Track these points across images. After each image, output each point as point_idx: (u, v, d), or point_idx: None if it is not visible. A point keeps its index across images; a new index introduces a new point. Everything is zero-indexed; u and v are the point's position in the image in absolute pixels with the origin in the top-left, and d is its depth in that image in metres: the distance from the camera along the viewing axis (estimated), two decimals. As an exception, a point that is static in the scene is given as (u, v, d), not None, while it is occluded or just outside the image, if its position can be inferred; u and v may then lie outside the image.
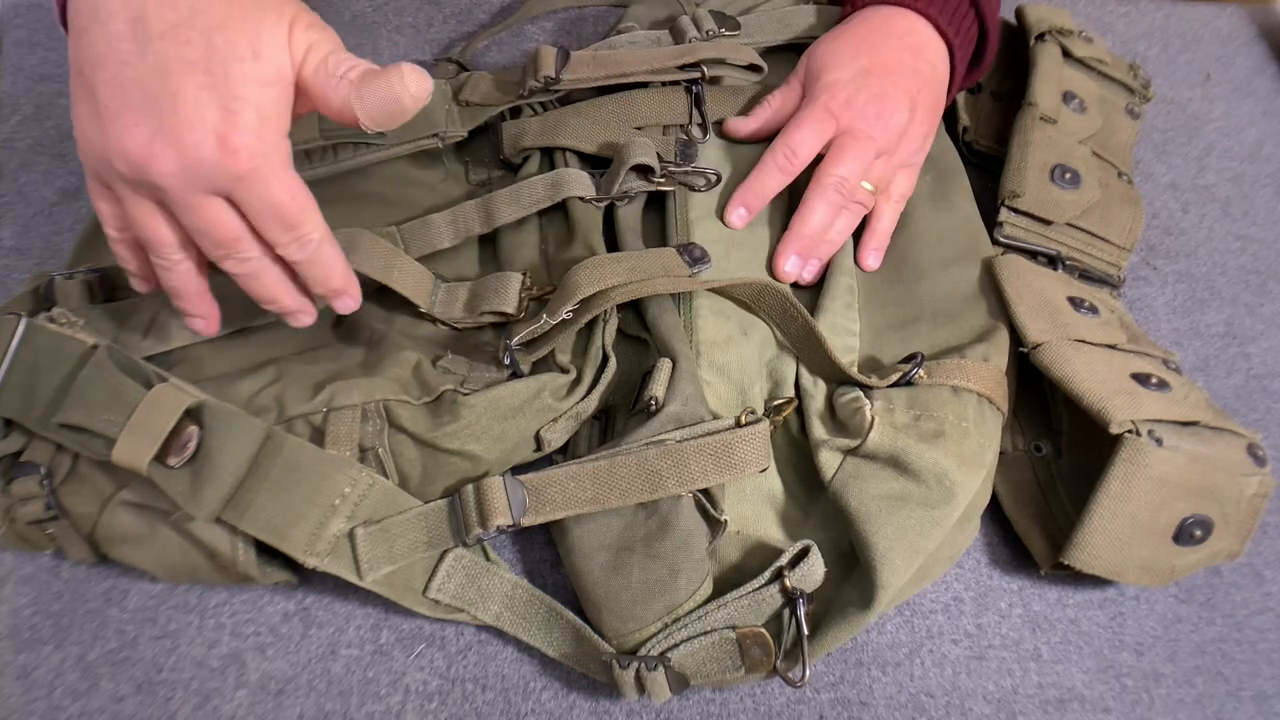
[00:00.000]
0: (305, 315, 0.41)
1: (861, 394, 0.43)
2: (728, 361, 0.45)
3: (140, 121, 0.31)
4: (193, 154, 0.31)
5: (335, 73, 0.33)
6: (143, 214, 0.34)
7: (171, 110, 0.31)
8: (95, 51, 0.31)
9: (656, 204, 0.52)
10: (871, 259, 0.51)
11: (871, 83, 0.49)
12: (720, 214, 0.50)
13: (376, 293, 0.48)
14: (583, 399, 0.43)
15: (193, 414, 0.39)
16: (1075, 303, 0.49)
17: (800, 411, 0.45)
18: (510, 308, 0.46)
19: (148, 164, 0.32)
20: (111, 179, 0.34)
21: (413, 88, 0.33)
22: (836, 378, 0.45)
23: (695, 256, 0.47)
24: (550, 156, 0.53)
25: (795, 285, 0.51)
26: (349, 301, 0.40)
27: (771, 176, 0.49)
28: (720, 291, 0.47)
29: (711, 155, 0.53)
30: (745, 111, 0.53)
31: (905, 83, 0.49)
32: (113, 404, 0.39)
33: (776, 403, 0.45)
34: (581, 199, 0.49)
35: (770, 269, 0.49)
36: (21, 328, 0.42)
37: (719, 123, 0.54)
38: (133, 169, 0.32)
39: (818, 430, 0.44)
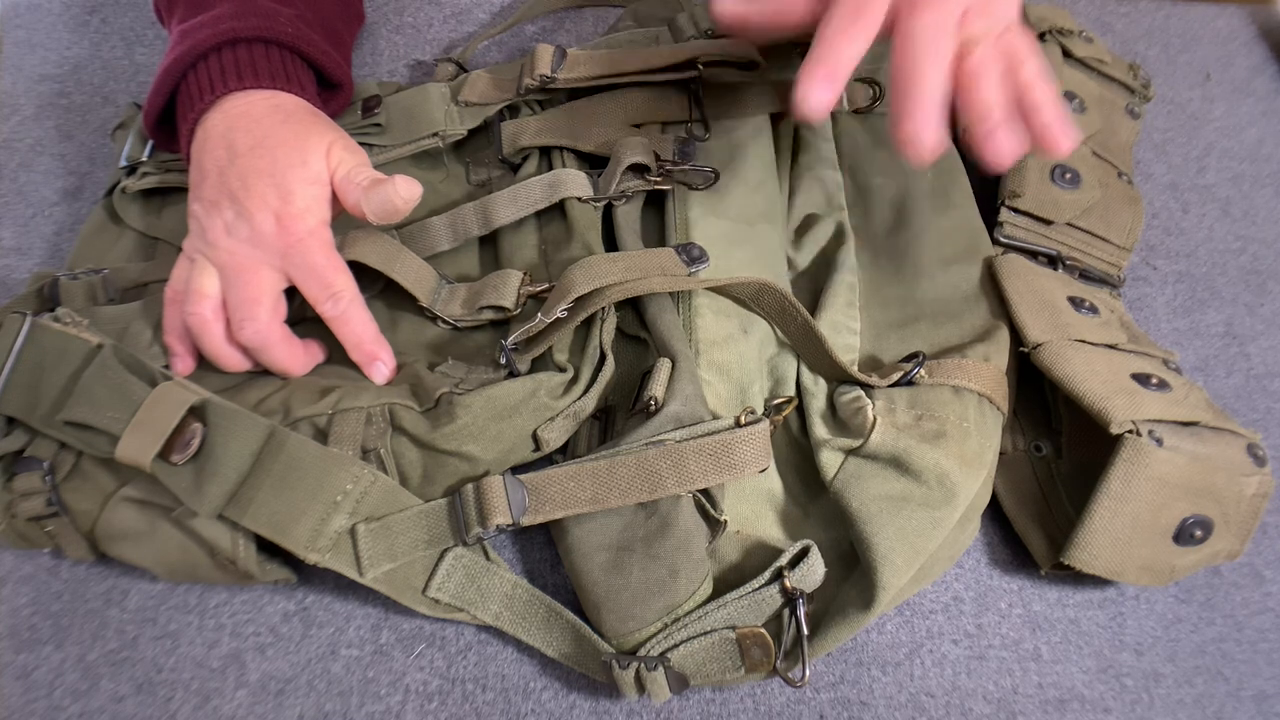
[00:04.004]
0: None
1: (863, 393, 0.43)
2: (728, 360, 0.45)
3: (229, 207, 0.44)
4: (259, 227, 0.43)
5: (353, 180, 0.44)
6: (204, 274, 0.44)
7: (247, 199, 0.43)
8: (204, 168, 0.45)
9: (657, 203, 0.52)
10: (1060, 132, 0.38)
11: None
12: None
13: (382, 294, 0.49)
14: (580, 398, 0.43)
15: (196, 411, 0.40)
16: (1075, 303, 0.49)
17: (801, 410, 0.45)
18: (508, 303, 0.46)
19: (231, 233, 0.44)
20: (200, 248, 0.44)
21: (404, 193, 0.43)
22: (837, 376, 0.45)
23: (693, 256, 0.46)
24: (549, 156, 0.53)
25: (798, 275, 0.50)
26: (382, 368, 0.45)
27: (844, 36, 0.38)
28: (719, 290, 0.47)
29: (710, 153, 0.53)
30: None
31: None
32: (117, 401, 0.40)
33: (777, 402, 0.45)
34: (579, 199, 0.49)
35: (900, 141, 0.38)
36: (26, 327, 0.43)
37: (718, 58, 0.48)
38: (219, 238, 0.44)
39: (819, 430, 0.44)
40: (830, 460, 0.43)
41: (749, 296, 0.46)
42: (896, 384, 0.44)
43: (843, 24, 0.38)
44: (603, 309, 0.44)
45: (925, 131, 0.36)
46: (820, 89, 0.37)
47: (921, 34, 0.37)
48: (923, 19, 0.37)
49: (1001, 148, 0.38)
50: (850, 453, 0.43)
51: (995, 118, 0.38)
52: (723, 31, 0.44)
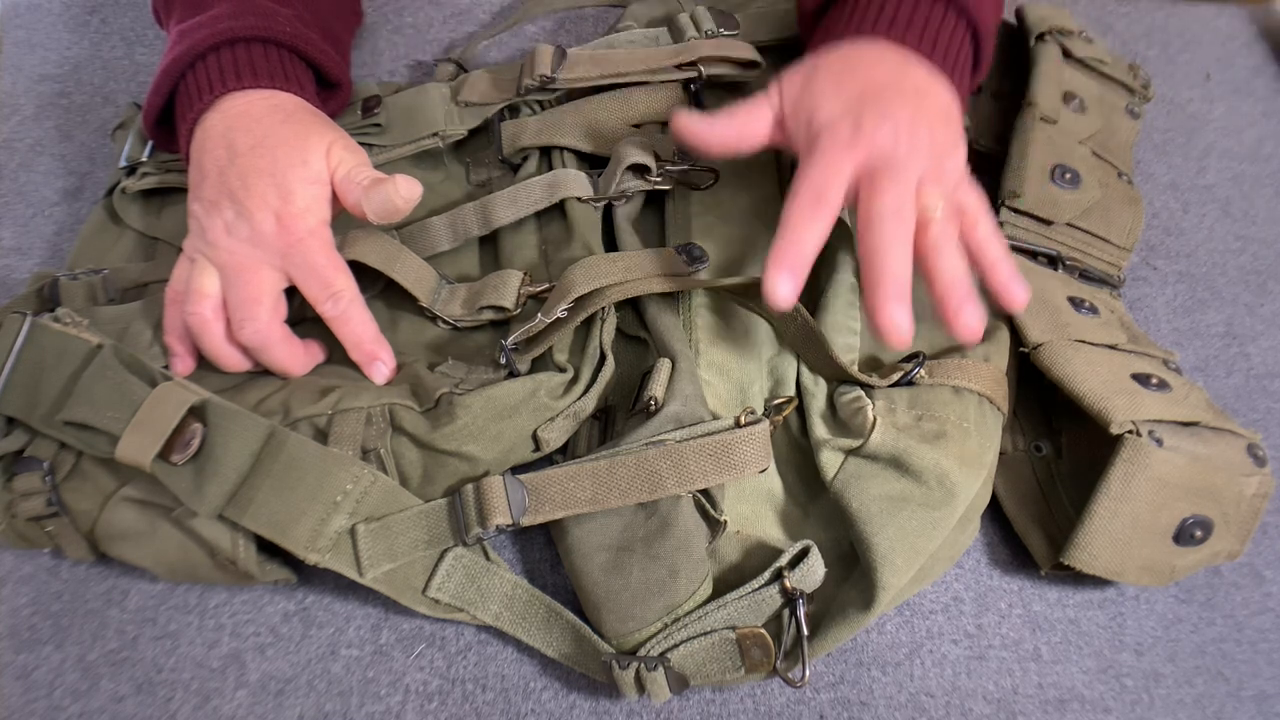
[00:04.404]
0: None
1: (863, 393, 0.43)
2: (727, 361, 0.45)
3: (229, 207, 0.44)
4: (260, 227, 0.43)
5: (353, 180, 0.44)
6: (204, 274, 0.44)
7: (247, 199, 0.43)
8: (204, 167, 0.45)
9: (657, 203, 0.52)
10: (1016, 290, 0.41)
11: (870, 105, 0.41)
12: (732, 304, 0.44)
13: (382, 294, 0.49)
14: (580, 398, 0.43)
15: (196, 411, 0.40)
16: (1075, 303, 0.49)
17: (801, 410, 0.45)
18: (508, 303, 0.46)
19: (231, 233, 0.44)
20: (200, 248, 0.44)
21: (404, 192, 0.43)
22: (837, 376, 0.45)
23: (694, 256, 0.46)
24: (549, 156, 0.53)
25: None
26: (382, 368, 0.45)
27: (807, 225, 0.39)
28: (719, 290, 0.47)
29: (711, 155, 0.53)
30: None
31: (906, 99, 0.42)
32: (117, 401, 0.40)
33: (777, 402, 0.45)
34: (579, 199, 0.49)
35: (878, 332, 0.39)
36: (26, 327, 0.43)
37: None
38: (219, 238, 0.44)
39: (819, 430, 0.44)
40: (830, 460, 0.43)
41: (749, 297, 0.46)
42: (896, 384, 0.44)
43: (803, 212, 0.39)
44: (603, 309, 0.44)
45: (900, 320, 0.38)
46: (785, 282, 0.38)
47: (881, 220, 0.39)
48: (883, 200, 0.39)
49: (971, 320, 0.39)
50: (850, 453, 0.43)
51: (962, 292, 0.39)
52: (679, 145, 0.45)
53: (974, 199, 0.42)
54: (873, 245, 0.39)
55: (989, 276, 0.42)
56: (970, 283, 0.40)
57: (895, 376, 0.44)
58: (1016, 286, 0.41)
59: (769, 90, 0.45)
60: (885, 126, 0.41)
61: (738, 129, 0.44)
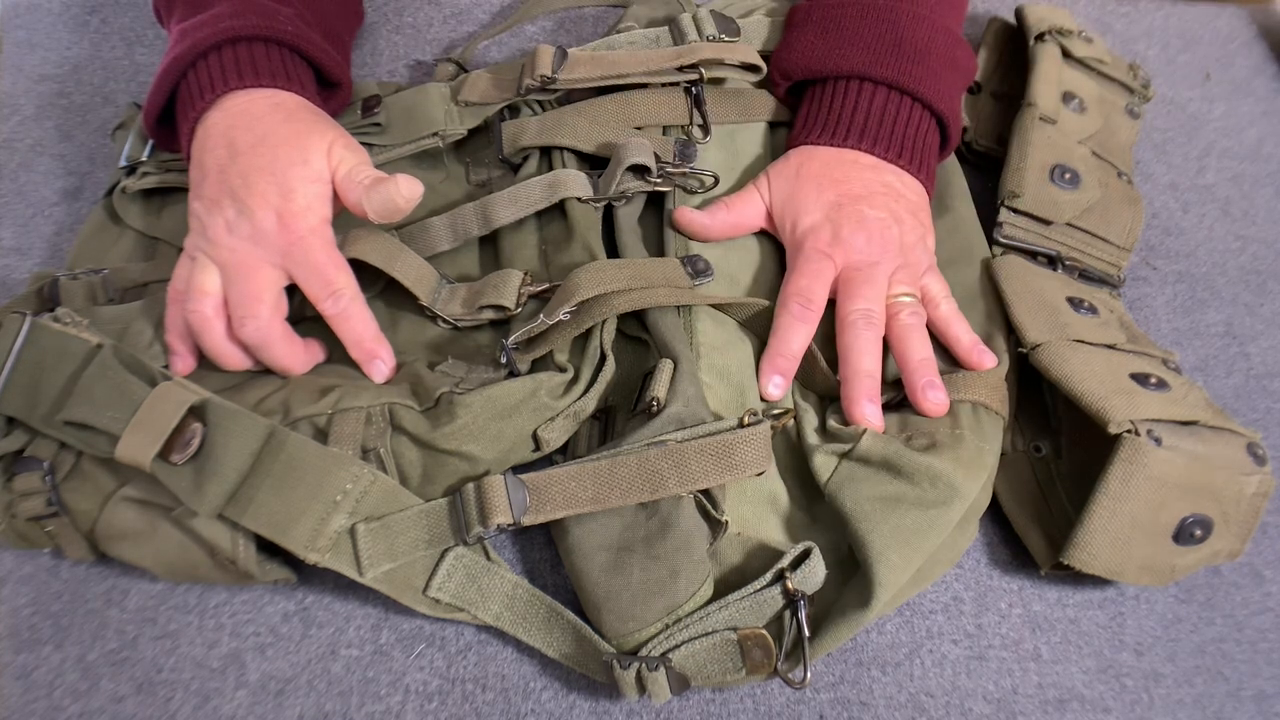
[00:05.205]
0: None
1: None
2: (727, 364, 0.45)
3: (230, 205, 0.44)
4: (261, 225, 0.43)
5: (354, 179, 0.44)
6: (205, 272, 0.44)
7: (249, 197, 0.43)
8: (205, 166, 0.45)
9: (658, 204, 0.52)
10: (979, 357, 0.46)
11: (846, 213, 0.47)
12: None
13: (382, 294, 0.49)
14: (580, 398, 0.43)
15: (196, 411, 0.40)
16: (1074, 303, 0.49)
17: (796, 418, 0.46)
18: (508, 302, 0.46)
19: (232, 231, 0.44)
20: (201, 246, 0.44)
21: (405, 191, 0.43)
22: (831, 394, 0.46)
23: (698, 269, 0.47)
24: (549, 156, 0.53)
25: None
26: (382, 366, 0.45)
27: (794, 330, 0.46)
28: (719, 307, 0.47)
29: (712, 156, 0.53)
30: (702, 206, 0.51)
31: (878, 201, 0.48)
32: (117, 401, 0.40)
33: (775, 411, 0.45)
34: (579, 199, 0.49)
35: (852, 417, 0.44)
36: (26, 327, 0.43)
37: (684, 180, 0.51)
38: (220, 236, 0.44)
39: (811, 438, 0.44)
40: (824, 464, 0.43)
41: (749, 316, 0.47)
42: (887, 405, 0.45)
43: (791, 319, 0.46)
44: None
45: (872, 416, 0.44)
46: (777, 385, 0.46)
47: (855, 325, 0.45)
48: (856, 304, 0.46)
49: (937, 398, 0.44)
50: (843, 456, 0.43)
51: (928, 375, 0.45)
52: (682, 232, 0.50)
53: (937, 284, 0.48)
54: (847, 345, 0.45)
55: (954, 349, 0.47)
56: (934, 366, 0.45)
57: (886, 397, 0.45)
58: (978, 354, 0.46)
59: (759, 182, 0.50)
60: (860, 235, 0.47)
61: (735, 220, 0.50)
